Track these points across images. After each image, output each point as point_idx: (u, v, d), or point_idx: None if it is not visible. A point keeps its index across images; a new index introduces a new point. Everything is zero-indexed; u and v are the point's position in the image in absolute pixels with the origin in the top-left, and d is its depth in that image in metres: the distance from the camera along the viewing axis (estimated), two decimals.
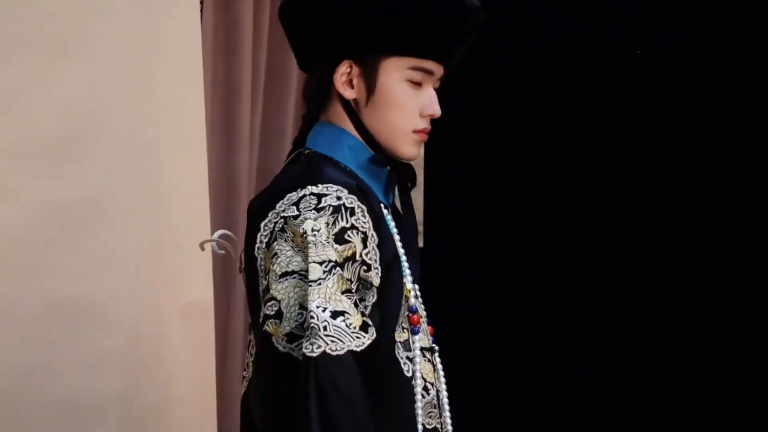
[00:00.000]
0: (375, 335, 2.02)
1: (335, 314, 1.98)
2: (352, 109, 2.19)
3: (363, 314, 2.02)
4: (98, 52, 2.88)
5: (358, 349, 1.98)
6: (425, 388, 2.16)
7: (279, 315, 2.02)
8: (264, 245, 2.09)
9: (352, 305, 2.01)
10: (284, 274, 2.04)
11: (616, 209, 3.33)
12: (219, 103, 3.56)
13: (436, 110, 2.18)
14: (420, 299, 2.24)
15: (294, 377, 1.98)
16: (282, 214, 2.07)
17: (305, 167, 2.18)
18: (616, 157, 3.33)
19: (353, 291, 2.03)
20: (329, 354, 1.94)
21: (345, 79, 2.17)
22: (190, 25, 3.12)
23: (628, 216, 3.30)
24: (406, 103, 2.17)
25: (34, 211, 2.78)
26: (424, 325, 2.21)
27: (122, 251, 2.92)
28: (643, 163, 3.28)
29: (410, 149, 2.20)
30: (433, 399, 2.19)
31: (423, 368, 2.17)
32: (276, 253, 2.06)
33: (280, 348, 2.01)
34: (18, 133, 2.75)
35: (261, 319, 2.05)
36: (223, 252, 2.33)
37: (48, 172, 2.80)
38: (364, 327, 2.01)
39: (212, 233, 3.11)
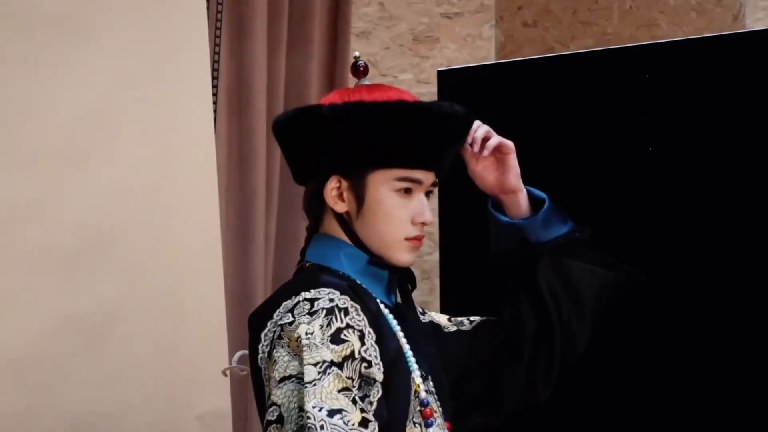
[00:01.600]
0: (377, 431, 1.99)
1: (332, 413, 1.96)
2: (344, 221, 2.20)
3: (363, 410, 2.00)
4: (114, 164, 2.90)
5: None
6: None
7: (280, 419, 2.02)
8: (266, 355, 2.11)
9: (350, 402, 1.99)
10: (282, 379, 2.04)
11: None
12: (233, 210, 3.56)
13: (428, 218, 2.18)
14: (435, 395, 2.23)
15: None
16: (279, 323, 2.09)
17: (302, 278, 2.21)
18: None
19: (352, 389, 2.02)
20: None
21: (335, 193, 2.18)
22: (204, 133, 3.16)
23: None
24: (395, 213, 2.16)
25: (51, 322, 2.76)
26: (439, 420, 2.20)
27: (140, 362, 2.91)
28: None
29: (404, 256, 2.19)
30: None
31: None
32: (275, 360, 2.07)
33: None
34: (35, 245, 2.76)
35: (264, 426, 2.05)
36: (245, 373, 2.32)
37: (65, 283, 2.79)
38: (363, 423, 1.98)
39: (228, 341, 3.13)
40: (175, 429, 2.99)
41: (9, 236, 2.73)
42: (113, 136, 2.91)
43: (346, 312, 2.06)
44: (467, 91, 2.90)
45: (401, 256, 2.19)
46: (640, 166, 3.13)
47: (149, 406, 2.92)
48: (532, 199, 2.37)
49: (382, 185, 2.16)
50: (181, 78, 3.09)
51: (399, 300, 2.30)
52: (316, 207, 2.23)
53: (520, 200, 2.35)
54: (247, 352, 2.23)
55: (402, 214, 2.16)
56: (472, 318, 2.46)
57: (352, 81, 3.65)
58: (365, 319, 2.08)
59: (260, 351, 2.12)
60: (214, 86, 3.45)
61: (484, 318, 2.44)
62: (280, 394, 2.04)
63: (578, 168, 3.21)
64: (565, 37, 4.13)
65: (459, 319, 2.46)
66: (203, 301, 3.07)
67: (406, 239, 2.17)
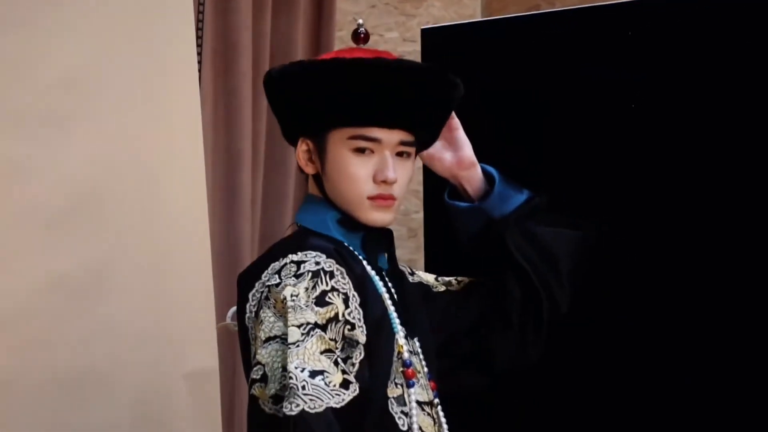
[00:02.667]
0: (357, 392, 2.03)
1: (314, 374, 1.99)
2: (319, 182, 2.24)
3: (344, 372, 2.04)
4: (99, 124, 2.91)
5: (338, 406, 1.99)
6: None
7: (264, 378, 2.05)
8: (253, 314, 2.14)
9: (332, 364, 2.03)
10: (268, 339, 2.07)
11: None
12: (220, 170, 3.59)
13: (387, 175, 2.17)
14: (420, 354, 2.27)
15: None
16: (266, 284, 2.12)
17: (290, 238, 2.24)
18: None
19: (335, 350, 2.05)
20: (308, 412, 1.96)
21: (305, 156, 2.22)
22: (189, 94, 3.16)
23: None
24: (353, 172, 2.17)
25: (36, 282, 2.77)
26: (423, 380, 2.23)
27: (126, 321, 2.92)
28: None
29: (371, 215, 2.20)
30: None
31: (422, 422, 2.19)
32: (262, 320, 2.10)
33: (267, 410, 2.04)
34: (19, 205, 2.76)
35: (249, 384, 2.09)
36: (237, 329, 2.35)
37: (53, 242, 2.80)
38: (344, 384, 2.02)
39: (215, 299, 3.16)
40: (163, 387, 2.99)
41: (1, 191, 2.74)
42: (97, 98, 2.91)
43: (332, 275, 2.09)
44: (452, 49, 2.89)
45: (368, 215, 2.20)
46: (624, 123, 3.10)
47: (137, 365, 2.93)
48: (484, 174, 2.43)
49: (339, 144, 2.18)
50: (166, 39, 3.10)
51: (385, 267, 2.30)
52: (300, 169, 2.28)
53: (477, 173, 2.41)
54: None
55: (360, 173, 2.17)
56: (459, 278, 2.49)
57: (338, 41, 3.64)
58: (350, 282, 2.11)
59: (248, 311, 2.15)
60: (199, 46, 3.45)
61: (473, 279, 2.46)
62: (265, 354, 2.06)
63: (562, 125, 3.18)
64: None
65: (447, 279, 2.49)
66: (190, 260, 3.09)
67: (369, 198, 2.18)
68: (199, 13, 3.48)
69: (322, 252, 2.12)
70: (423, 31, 3.28)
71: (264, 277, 2.13)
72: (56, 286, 2.79)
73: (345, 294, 2.10)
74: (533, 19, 3.23)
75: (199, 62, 3.42)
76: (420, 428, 2.18)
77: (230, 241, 3.57)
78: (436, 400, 2.26)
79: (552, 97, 3.21)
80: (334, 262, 2.11)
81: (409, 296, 2.30)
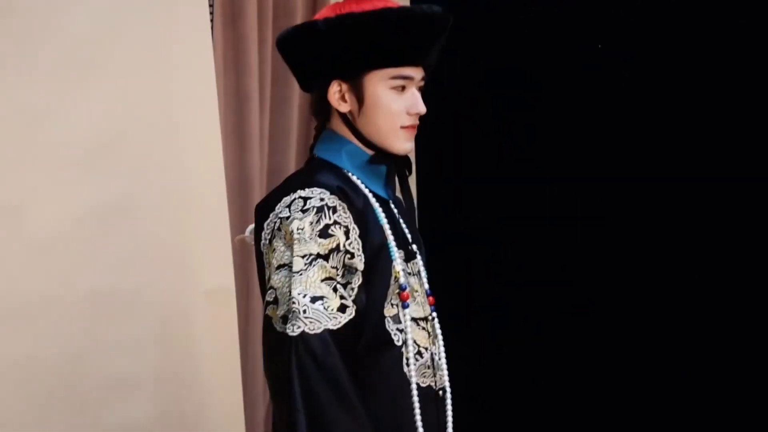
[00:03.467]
0: (353, 315, 2.09)
1: (314, 299, 2.06)
2: (348, 120, 2.25)
3: (342, 297, 2.10)
4: (121, 72, 2.93)
5: (335, 327, 2.05)
6: (419, 353, 2.22)
7: (276, 301, 2.11)
8: (267, 242, 2.18)
9: (331, 290, 2.09)
10: (279, 267, 2.13)
11: (609, 207, 3.20)
12: (231, 110, 3.56)
13: (421, 108, 2.24)
14: (420, 275, 2.30)
15: (280, 352, 2.07)
16: (279, 215, 2.16)
17: (303, 173, 2.28)
18: (609, 154, 3.22)
19: (336, 278, 2.11)
20: (308, 333, 2.03)
21: (338, 96, 2.23)
22: (201, 41, 3.17)
23: (622, 212, 3.18)
24: (392, 106, 2.21)
25: (72, 212, 2.81)
26: (420, 298, 2.27)
27: (151, 245, 2.97)
28: (635, 163, 3.15)
29: (403, 144, 2.25)
30: (427, 361, 2.24)
31: (417, 336, 2.22)
32: (274, 249, 2.15)
33: (278, 328, 2.09)
34: (54, 146, 2.80)
35: (264, 304, 2.14)
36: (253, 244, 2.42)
37: (82, 179, 2.84)
38: (341, 308, 2.09)
39: (230, 225, 3.16)
40: (185, 304, 3.03)
41: (31, 137, 2.75)
42: (119, 49, 2.92)
43: (335, 210, 2.14)
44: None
45: (400, 144, 2.24)
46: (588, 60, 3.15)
47: (159, 284, 2.98)
48: None
49: (379, 84, 2.21)
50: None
51: (396, 193, 2.32)
52: (323, 110, 2.28)
53: None
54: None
55: (398, 107, 2.21)
56: None
57: None
58: (351, 216, 2.15)
59: (263, 238, 2.19)
60: (211, 5, 3.42)
61: None
62: (276, 279, 2.12)
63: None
64: None
65: None
66: (206, 190, 3.11)
67: (402, 127, 2.23)
68: None
69: (326, 189, 2.15)
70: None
71: (277, 209, 2.17)
72: (88, 217, 2.83)
73: (346, 227, 2.14)
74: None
75: (211, 12, 3.39)
76: (415, 342, 2.21)
77: (241, 172, 3.54)
78: (433, 314, 2.30)
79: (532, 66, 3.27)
80: (336, 198, 2.15)
81: (411, 221, 2.34)
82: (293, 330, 2.04)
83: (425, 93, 2.28)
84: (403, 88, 2.23)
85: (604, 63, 3.11)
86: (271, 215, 2.19)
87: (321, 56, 2.23)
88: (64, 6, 2.82)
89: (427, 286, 2.31)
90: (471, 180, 3.37)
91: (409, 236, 2.32)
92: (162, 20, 3.03)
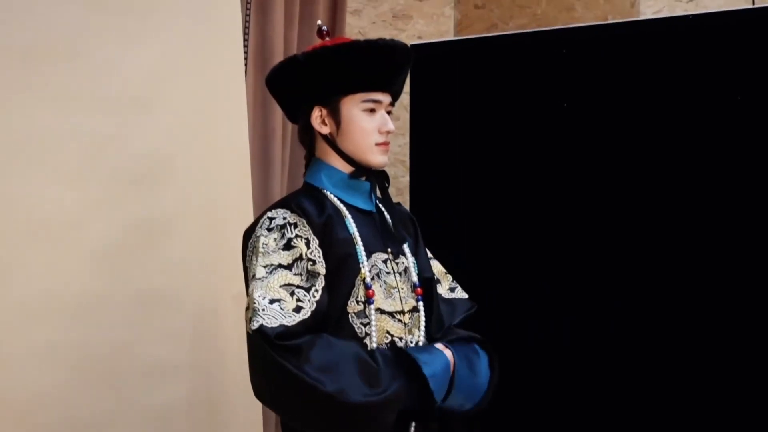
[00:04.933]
0: (308, 315, 2.06)
1: (272, 301, 2.05)
2: (330, 141, 2.27)
3: (299, 300, 2.07)
4: (169, 109, 2.93)
5: (290, 324, 2.02)
6: (392, 342, 2.19)
7: (248, 306, 2.10)
8: (249, 256, 2.20)
9: (288, 295, 2.07)
10: (252, 277, 2.13)
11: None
12: (258, 143, 3.59)
13: (390, 126, 2.25)
14: (406, 272, 2.27)
15: (249, 348, 2.06)
16: (256, 235, 2.19)
17: (283, 198, 2.28)
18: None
19: (296, 285, 2.09)
20: (265, 326, 2.00)
21: (319, 120, 2.26)
22: (236, 84, 3.18)
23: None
24: (366, 126, 2.23)
25: (125, 225, 2.81)
26: (400, 293, 2.24)
27: (189, 254, 2.97)
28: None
29: (378, 158, 2.26)
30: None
31: (391, 327, 2.19)
32: (251, 264, 2.17)
33: (247, 329, 2.08)
34: (112, 168, 2.79)
35: (245, 310, 2.14)
36: None
37: (134, 197, 2.84)
38: (297, 309, 2.06)
39: None
40: (215, 305, 3.03)
41: (94, 160, 2.75)
42: (171, 87, 2.94)
43: (295, 226, 2.16)
44: (433, 58, 2.96)
45: (375, 158, 2.25)
46: (558, 121, 3.07)
47: (195, 287, 2.98)
48: None
49: (353, 107, 2.23)
50: (220, 44, 3.11)
51: (377, 204, 2.31)
52: (307, 136, 2.31)
53: None
54: None
55: (371, 126, 2.23)
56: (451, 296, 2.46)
57: None
58: (310, 230, 2.15)
59: (247, 256, 2.22)
60: (245, 51, 3.46)
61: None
62: (251, 288, 2.11)
63: (514, 122, 3.17)
64: (506, 16, 4.06)
65: (452, 286, 2.48)
66: (236, 211, 3.12)
67: (377, 144, 2.25)
68: (246, 26, 3.44)
69: (287, 209, 2.17)
70: (412, 46, 3.23)
71: (256, 230, 2.19)
72: (136, 230, 2.84)
73: (306, 239, 2.14)
74: (491, 40, 3.24)
75: (245, 63, 3.41)
76: (388, 332, 2.18)
77: (265, 194, 3.59)
78: (418, 305, 2.26)
79: (505, 98, 3.18)
80: (297, 215, 2.16)
81: (398, 226, 2.33)
82: (253, 325, 2.01)
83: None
84: (373, 110, 2.25)
85: (591, 63, 3.04)
86: (252, 236, 2.21)
87: (303, 86, 2.25)
88: (121, 50, 2.82)
89: (415, 279, 2.29)
90: (464, 185, 3.30)
91: (395, 238, 2.31)
92: (202, 64, 3.04)
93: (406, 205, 3.52)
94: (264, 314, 2.02)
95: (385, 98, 2.27)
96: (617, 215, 2.95)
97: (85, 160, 2.74)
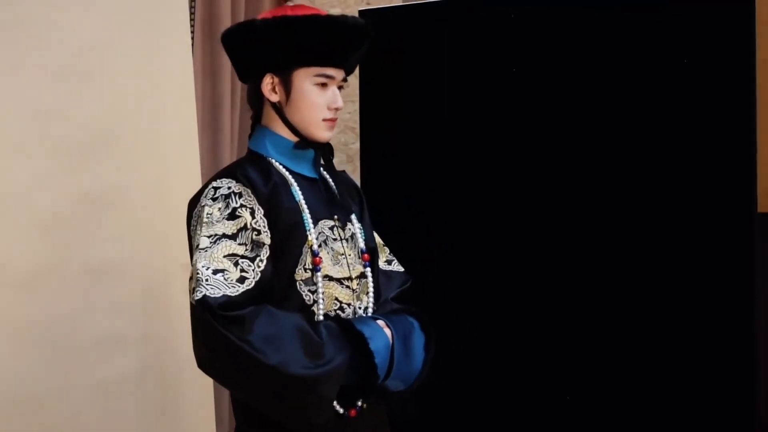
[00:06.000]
0: (252, 285, 2.05)
1: (216, 271, 2.04)
2: (278, 109, 2.24)
3: (243, 270, 2.06)
4: (115, 79, 2.92)
5: (233, 295, 2.01)
6: (341, 308, 2.20)
7: (192, 276, 2.10)
8: (194, 227, 2.19)
9: (232, 265, 2.06)
10: (196, 247, 2.12)
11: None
12: (207, 110, 3.58)
13: (339, 103, 2.24)
14: (353, 238, 2.28)
15: (192, 319, 2.06)
16: (200, 204, 2.17)
17: (226, 167, 2.27)
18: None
19: (239, 254, 2.08)
20: (208, 296, 1.99)
21: (270, 87, 2.23)
22: (183, 52, 3.16)
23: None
24: (315, 100, 2.22)
25: (71, 197, 2.80)
26: (348, 260, 2.25)
27: (137, 224, 2.96)
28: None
29: (324, 133, 2.24)
30: (349, 315, 2.23)
31: (339, 293, 2.20)
32: (195, 234, 2.15)
33: (190, 300, 2.07)
34: (58, 139, 2.78)
35: (189, 280, 2.14)
36: None
37: (80, 168, 2.82)
38: (240, 279, 2.05)
39: None
40: (164, 275, 3.02)
41: (37, 132, 2.73)
42: (113, 58, 2.91)
43: (240, 195, 2.14)
44: (383, 25, 2.94)
45: (321, 133, 2.24)
46: (509, 86, 3.05)
47: (144, 258, 2.97)
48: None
49: (305, 80, 2.21)
50: (166, 13, 3.09)
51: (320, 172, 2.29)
52: (255, 100, 2.28)
53: None
54: None
55: (320, 101, 2.22)
56: (390, 268, 2.47)
57: None
58: (255, 199, 2.14)
59: (191, 225, 2.20)
60: (192, 18, 3.44)
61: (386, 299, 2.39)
62: (194, 258, 2.11)
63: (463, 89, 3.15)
64: None
65: (385, 259, 2.47)
66: (184, 176, 3.10)
67: (324, 120, 2.23)
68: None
69: (232, 178, 2.16)
70: (360, 12, 3.31)
71: (201, 199, 2.18)
72: (84, 200, 2.82)
73: (251, 208, 2.13)
74: (438, 5, 3.20)
75: (192, 30, 3.38)
76: (337, 299, 2.19)
77: (215, 162, 3.58)
78: (366, 272, 2.27)
79: (455, 66, 3.16)
80: (242, 185, 2.14)
81: (344, 194, 2.32)
82: (197, 296, 2.00)
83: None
84: (325, 85, 2.24)
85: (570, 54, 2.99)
86: (197, 205, 2.19)
87: (257, 51, 2.22)
88: (65, 20, 2.79)
89: (362, 245, 2.30)
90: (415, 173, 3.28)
91: (341, 206, 2.30)
92: (148, 33, 3.02)
93: (357, 172, 3.55)
94: (207, 285, 2.01)
95: (339, 74, 2.26)
96: (603, 199, 2.93)
97: (30, 132, 2.72)
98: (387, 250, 2.49)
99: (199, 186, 3.04)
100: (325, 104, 2.23)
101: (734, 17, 2.73)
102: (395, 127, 3.30)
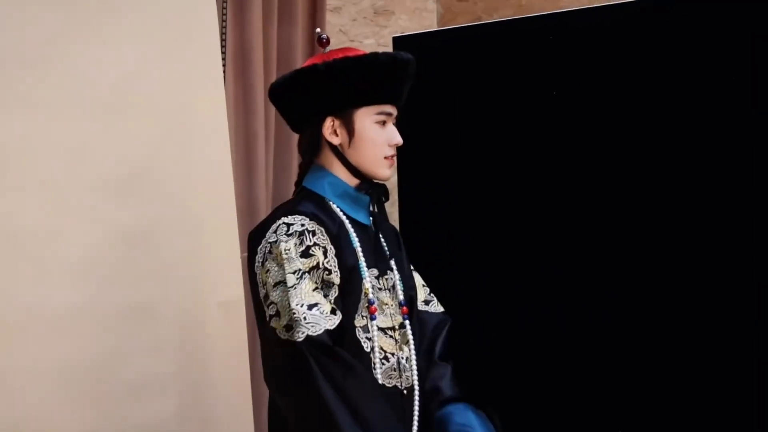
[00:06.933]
0: (341, 316, 2.15)
1: (311, 306, 2.11)
2: (338, 152, 2.28)
3: (331, 302, 2.15)
4: (147, 115, 2.92)
5: (332, 327, 2.11)
6: (386, 358, 2.25)
7: (278, 313, 2.15)
8: (260, 264, 2.21)
9: (322, 297, 2.14)
10: (276, 284, 2.16)
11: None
12: (241, 147, 3.58)
13: (399, 140, 2.29)
14: (394, 288, 2.32)
15: (292, 357, 2.11)
16: (268, 240, 2.20)
17: (287, 203, 2.31)
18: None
19: (321, 289, 2.16)
20: (311, 336, 2.08)
21: (331, 130, 2.27)
22: (215, 88, 3.15)
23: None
24: (377, 138, 2.26)
25: (104, 236, 2.80)
26: (390, 310, 2.29)
27: (172, 263, 2.95)
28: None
29: (386, 171, 2.30)
30: (393, 365, 2.27)
31: (384, 343, 2.26)
32: (268, 269, 2.18)
33: (282, 336, 2.13)
34: (91, 176, 2.78)
35: (267, 318, 2.17)
36: None
37: (116, 205, 2.82)
38: (333, 311, 2.14)
39: (239, 245, 3.13)
40: (200, 315, 3.01)
41: (70, 171, 2.74)
42: (148, 92, 2.92)
43: (314, 234, 2.19)
44: (416, 51, 2.98)
45: (383, 171, 2.29)
46: (546, 108, 3.05)
47: (179, 298, 2.97)
48: None
49: (366, 119, 2.26)
50: (197, 47, 3.08)
51: (374, 219, 2.33)
52: (314, 146, 2.31)
53: None
54: None
55: (381, 139, 2.27)
56: (432, 309, 2.51)
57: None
58: (327, 238, 2.20)
59: (257, 261, 2.23)
60: (223, 53, 3.46)
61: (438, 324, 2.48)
62: (275, 295, 2.16)
63: (500, 112, 3.15)
64: (490, 9, 4.08)
65: (428, 299, 2.52)
66: (219, 214, 3.11)
67: (385, 158, 2.28)
68: (223, 24, 3.47)
69: (305, 215, 2.20)
70: (394, 38, 3.32)
71: (267, 235, 2.21)
72: (118, 240, 2.82)
73: (324, 247, 2.18)
74: (477, 28, 3.24)
75: (224, 64, 3.41)
76: (381, 348, 2.25)
77: (249, 200, 3.58)
78: (405, 323, 2.31)
79: (491, 88, 3.14)
80: (315, 223, 2.19)
81: (389, 241, 2.36)
82: (299, 336, 2.08)
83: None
84: (384, 122, 2.27)
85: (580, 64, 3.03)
86: (262, 241, 2.22)
87: (319, 95, 2.26)
88: (99, 55, 2.81)
89: (401, 297, 2.33)
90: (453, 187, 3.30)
91: (387, 254, 2.34)
92: (181, 71, 3.02)
93: (395, 206, 3.55)
94: (307, 323, 2.09)
95: (394, 110, 2.31)
96: (610, 204, 2.94)
97: (62, 170, 2.73)
98: (427, 290, 2.51)
99: (234, 224, 3.14)
100: (386, 142, 2.28)
101: None
102: (434, 153, 3.29)
